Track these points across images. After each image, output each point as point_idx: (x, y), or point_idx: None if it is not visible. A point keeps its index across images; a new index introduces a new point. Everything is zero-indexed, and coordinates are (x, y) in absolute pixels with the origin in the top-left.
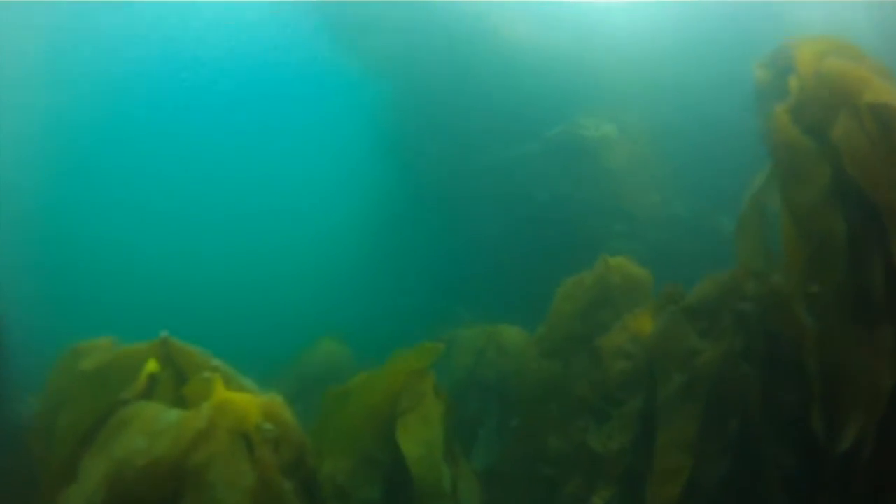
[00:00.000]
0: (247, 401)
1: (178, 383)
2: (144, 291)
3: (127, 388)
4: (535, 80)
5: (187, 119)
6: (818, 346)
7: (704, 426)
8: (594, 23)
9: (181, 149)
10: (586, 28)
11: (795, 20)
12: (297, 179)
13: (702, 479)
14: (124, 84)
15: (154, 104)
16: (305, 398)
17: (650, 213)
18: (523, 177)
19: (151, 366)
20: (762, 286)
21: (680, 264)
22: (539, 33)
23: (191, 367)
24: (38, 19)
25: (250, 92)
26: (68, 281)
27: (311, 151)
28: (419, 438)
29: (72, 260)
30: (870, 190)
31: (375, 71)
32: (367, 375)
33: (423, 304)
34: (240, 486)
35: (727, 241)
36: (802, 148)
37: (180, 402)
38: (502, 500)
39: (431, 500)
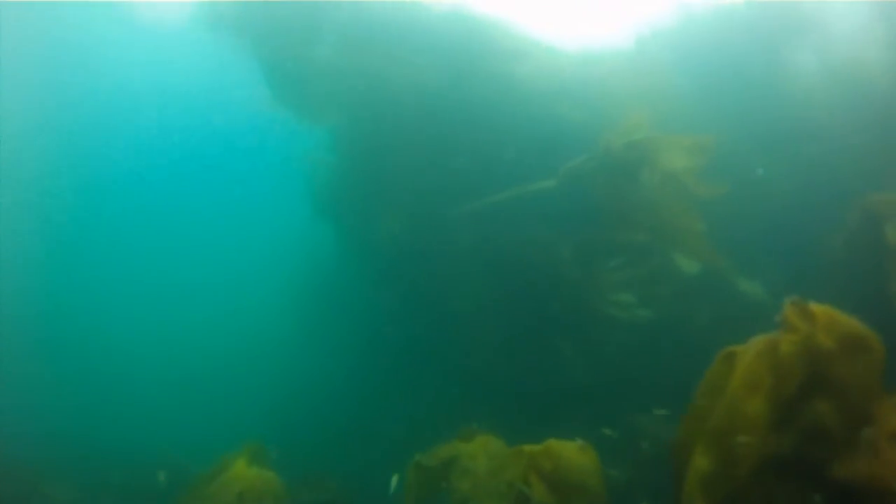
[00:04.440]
0: None
1: None
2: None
3: None
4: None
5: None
6: None
7: None
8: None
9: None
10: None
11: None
12: (229, 251)
13: None
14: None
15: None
16: None
17: (686, 243)
18: (513, 227)
19: None
20: None
21: (694, 330)
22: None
23: None
24: None
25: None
26: None
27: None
28: None
29: None
30: None
31: (314, 116)
32: None
33: (381, 409)
34: None
35: (747, 305)
36: None
37: None
38: None
39: None
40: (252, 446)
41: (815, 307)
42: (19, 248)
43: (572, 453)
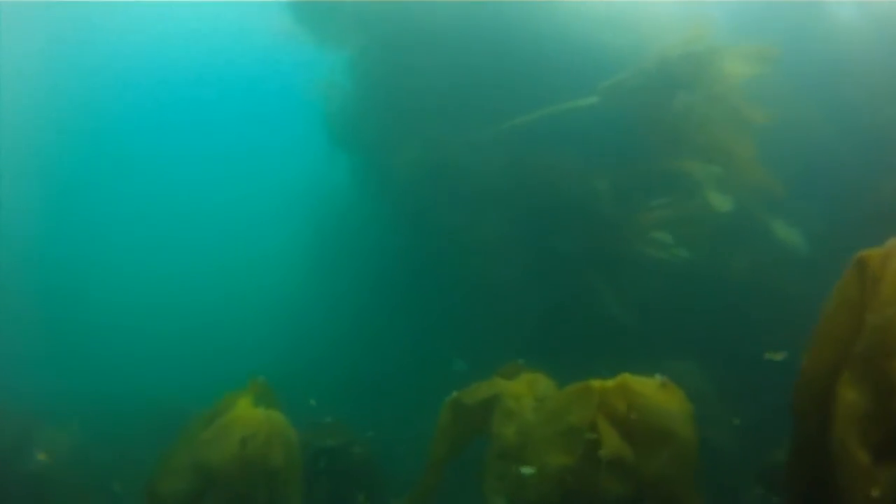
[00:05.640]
0: None
1: None
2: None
3: None
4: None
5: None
6: None
7: None
8: None
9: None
10: None
11: None
12: (240, 186)
13: None
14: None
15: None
16: None
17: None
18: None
19: None
20: None
21: (733, 274)
22: None
23: None
24: None
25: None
26: None
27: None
28: None
29: None
30: None
31: (336, 39)
32: None
33: (401, 352)
34: None
35: (786, 251)
36: None
37: None
38: None
39: None
40: (258, 383)
41: None
42: (10, 188)
43: (653, 392)
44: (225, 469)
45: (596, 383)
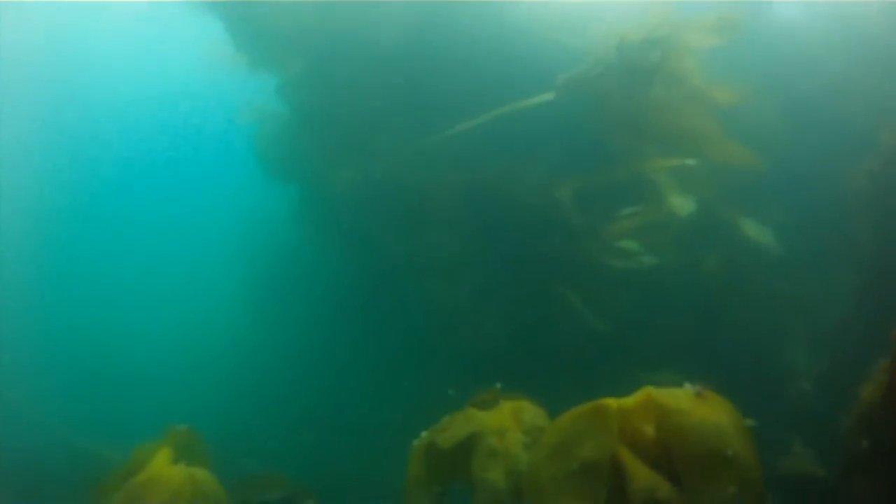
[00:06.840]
0: None
1: None
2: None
3: None
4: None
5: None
6: None
7: None
8: None
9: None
10: None
11: None
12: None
13: None
14: None
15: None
16: None
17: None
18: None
19: None
20: None
21: (701, 279)
22: None
23: None
24: None
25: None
26: None
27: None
28: None
29: None
30: None
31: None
32: None
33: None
34: None
35: (756, 251)
36: None
37: None
38: None
39: None
40: (179, 433)
41: None
42: None
43: (690, 406)
44: None
45: (612, 402)
